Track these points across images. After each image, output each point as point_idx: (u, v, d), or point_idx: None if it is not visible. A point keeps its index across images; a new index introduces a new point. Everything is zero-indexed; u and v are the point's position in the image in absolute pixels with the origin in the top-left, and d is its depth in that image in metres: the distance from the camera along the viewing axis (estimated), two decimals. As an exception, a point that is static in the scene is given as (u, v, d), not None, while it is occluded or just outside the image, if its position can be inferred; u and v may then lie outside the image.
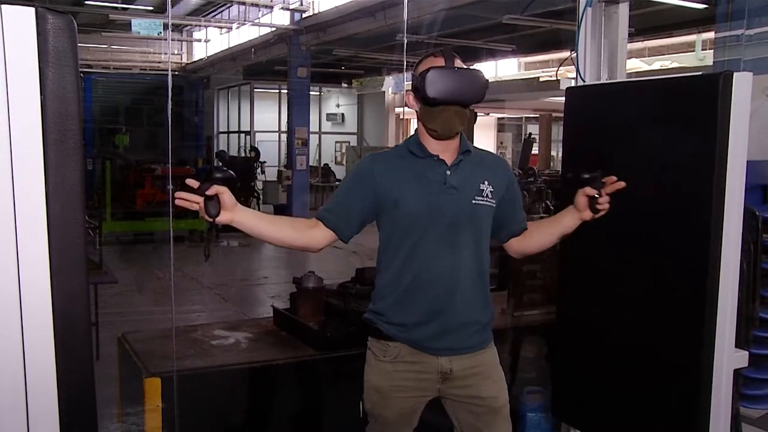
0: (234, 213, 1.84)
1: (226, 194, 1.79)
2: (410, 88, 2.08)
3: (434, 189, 2.04)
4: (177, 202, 1.75)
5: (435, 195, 2.04)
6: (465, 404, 2.13)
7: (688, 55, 11.97)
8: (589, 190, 1.95)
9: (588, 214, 1.99)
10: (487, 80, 2.06)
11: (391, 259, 2.08)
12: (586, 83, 2.65)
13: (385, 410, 2.11)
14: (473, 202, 2.06)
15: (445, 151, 2.07)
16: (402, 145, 2.17)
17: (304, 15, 12.75)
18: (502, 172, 2.16)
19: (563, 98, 2.54)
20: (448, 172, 2.06)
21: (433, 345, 2.07)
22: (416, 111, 2.08)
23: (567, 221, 2.06)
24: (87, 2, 14.23)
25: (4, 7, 1.17)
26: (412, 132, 2.22)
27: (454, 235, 2.04)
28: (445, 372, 2.08)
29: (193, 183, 1.77)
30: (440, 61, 2.02)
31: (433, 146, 2.07)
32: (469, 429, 2.15)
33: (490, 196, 2.08)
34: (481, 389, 2.12)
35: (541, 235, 2.16)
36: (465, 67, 2.06)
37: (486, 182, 2.09)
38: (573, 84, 2.68)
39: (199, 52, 19.38)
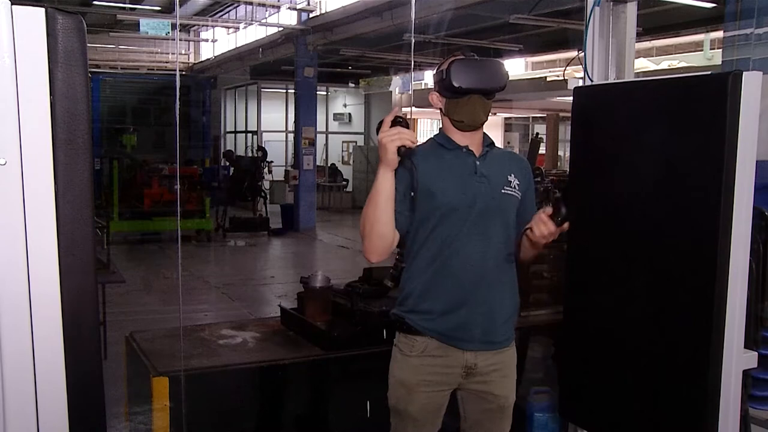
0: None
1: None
2: (433, 89, 2.16)
3: (466, 178, 2.09)
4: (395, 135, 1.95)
5: (467, 184, 2.09)
6: (478, 398, 2.17)
7: (696, 54, 11.93)
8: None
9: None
10: (507, 70, 2.13)
11: (420, 246, 2.11)
12: (593, 83, 2.64)
13: (409, 405, 2.14)
14: (502, 191, 2.12)
15: (472, 143, 2.14)
16: (428, 141, 2.22)
17: (311, 15, 12.75)
18: (525, 171, 2.23)
19: (571, 98, 2.53)
20: (478, 162, 2.12)
21: (459, 336, 2.09)
22: (441, 108, 2.15)
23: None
24: (95, 2, 14.28)
25: (14, 7, 1.17)
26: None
27: (484, 223, 2.08)
28: (470, 367, 2.12)
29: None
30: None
31: (459, 139, 2.13)
32: (474, 422, 2.20)
33: (517, 188, 2.15)
34: (497, 387, 2.17)
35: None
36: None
37: (513, 175, 2.15)
38: (581, 84, 2.67)
39: (207, 52, 19.41)
